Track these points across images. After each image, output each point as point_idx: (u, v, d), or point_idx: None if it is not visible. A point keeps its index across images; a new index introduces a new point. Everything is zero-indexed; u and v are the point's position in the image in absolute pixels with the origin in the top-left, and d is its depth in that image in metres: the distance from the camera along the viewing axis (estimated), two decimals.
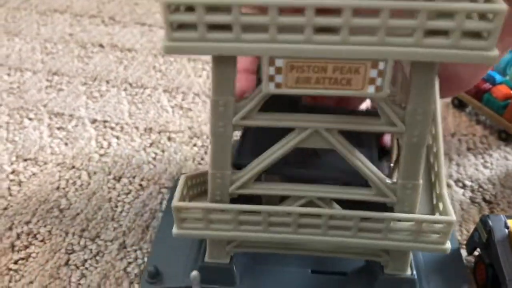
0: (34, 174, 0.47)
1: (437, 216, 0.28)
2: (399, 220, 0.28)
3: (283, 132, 0.27)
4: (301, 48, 0.22)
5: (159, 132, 0.51)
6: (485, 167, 0.47)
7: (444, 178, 0.29)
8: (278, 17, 0.21)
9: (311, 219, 0.29)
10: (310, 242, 0.30)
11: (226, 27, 0.22)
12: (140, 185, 0.45)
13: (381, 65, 0.23)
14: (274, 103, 0.26)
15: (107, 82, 0.59)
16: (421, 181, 0.27)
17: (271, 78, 0.24)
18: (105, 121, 0.53)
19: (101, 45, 0.66)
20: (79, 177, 0.46)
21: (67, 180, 0.46)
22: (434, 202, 0.30)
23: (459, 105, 0.54)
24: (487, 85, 0.51)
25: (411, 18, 0.21)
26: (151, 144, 0.50)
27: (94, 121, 0.53)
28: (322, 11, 0.21)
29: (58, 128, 0.52)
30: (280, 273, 0.34)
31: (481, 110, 0.51)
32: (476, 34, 0.21)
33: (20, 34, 0.69)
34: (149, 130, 0.52)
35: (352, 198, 0.28)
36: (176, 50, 0.23)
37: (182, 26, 0.23)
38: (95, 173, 0.47)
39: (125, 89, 0.58)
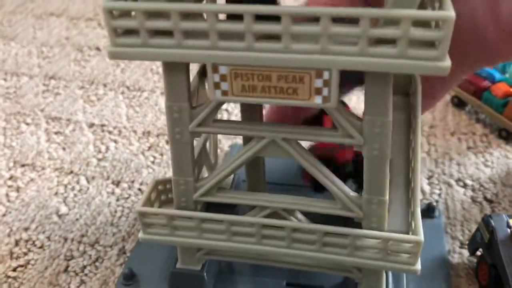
0: (32, 179, 0.46)
1: (404, 235, 0.27)
2: (366, 237, 0.27)
3: None
4: (242, 56, 0.22)
5: (158, 135, 0.51)
6: (486, 165, 0.47)
7: (418, 195, 0.27)
8: (217, 24, 0.21)
9: (275, 231, 0.28)
10: (274, 254, 0.29)
11: (168, 33, 0.22)
12: (139, 189, 0.45)
13: (325, 75, 0.22)
14: None
15: (104, 85, 0.59)
16: (387, 197, 0.26)
17: (217, 86, 0.24)
18: (102, 125, 0.53)
19: (97, 48, 0.65)
20: (78, 182, 0.46)
21: (66, 186, 0.46)
22: (409, 220, 0.29)
23: (459, 103, 0.54)
24: (486, 83, 0.51)
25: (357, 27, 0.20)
26: (149, 148, 0.50)
27: (91, 125, 0.53)
28: (265, 17, 0.21)
29: (56, 133, 0.52)
30: (254, 283, 0.33)
31: (480, 108, 0.51)
32: (428, 43, 0.21)
33: (16, 38, 0.68)
34: (147, 133, 0.51)
35: (317, 211, 0.28)
36: (120, 55, 0.23)
37: (128, 32, 0.23)
38: (93, 178, 0.46)
39: (122, 92, 0.57)
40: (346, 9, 0.20)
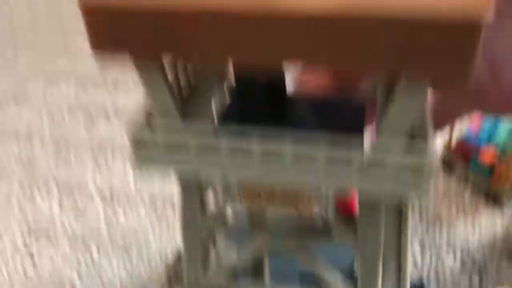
0: (46, 249, 0.49)
1: None
2: None
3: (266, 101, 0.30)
4: (250, 174, 0.25)
5: (164, 202, 0.54)
6: (474, 230, 0.50)
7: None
8: (233, 159, 0.24)
9: None
10: None
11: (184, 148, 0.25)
12: (148, 258, 0.48)
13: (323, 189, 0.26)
14: (258, 94, 0.29)
15: (112, 151, 0.62)
16: None
17: (227, 199, 0.27)
18: (111, 193, 0.56)
19: (105, 112, 0.69)
20: (89, 251, 0.49)
21: (78, 255, 0.48)
22: None
23: (449, 168, 0.57)
24: (474, 149, 0.54)
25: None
26: (156, 215, 0.53)
27: (101, 192, 0.56)
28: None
29: (67, 200, 0.55)
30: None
31: (469, 174, 0.54)
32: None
33: (26, 102, 0.72)
34: (154, 200, 0.54)
35: None
36: (142, 166, 0.27)
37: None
38: (104, 246, 0.49)
39: (131, 159, 0.61)
40: (341, 153, 0.23)
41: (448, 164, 0.56)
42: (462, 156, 0.54)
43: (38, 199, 0.55)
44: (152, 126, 0.25)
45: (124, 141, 0.63)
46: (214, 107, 0.30)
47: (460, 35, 0.20)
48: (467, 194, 0.54)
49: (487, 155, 0.52)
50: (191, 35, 0.22)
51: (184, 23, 0.21)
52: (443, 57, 0.20)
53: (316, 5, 0.20)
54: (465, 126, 0.58)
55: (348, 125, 0.27)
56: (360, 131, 0.27)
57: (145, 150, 0.26)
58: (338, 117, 0.28)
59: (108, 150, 0.62)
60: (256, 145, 0.24)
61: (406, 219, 0.31)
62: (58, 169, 0.59)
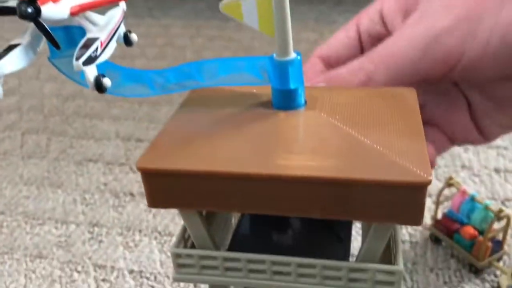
0: None
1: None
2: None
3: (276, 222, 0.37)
4: (264, 284, 0.33)
5: (187, 284, 0.62)
6: None
7: None
8: (248, 265, 0.33)
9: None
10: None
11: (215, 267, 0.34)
12: None
13: None
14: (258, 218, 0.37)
15: (140, 231, 0.70)
16: None
17: None
18: (140, 271, 0.64)
19: (131, 194, 0.78)
20: None
21: None
22: None
23: (436, 240, 0.64)
24: (456, 226, 0.62)
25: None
26: None
27: (131, 271, 0.64)
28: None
29: (103, 280, 0.63)
30: None
31: (453, 247, 0.62)
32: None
33: (62, 186, 0.81)
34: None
35: None
36: (181, 279, 0.35)
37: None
38: None
39: (155, 238, 0.69)
40: (332, 262, 0.32)
41: (435, 236, 0.64)
42: (447, 231, 0.62)
43: (78, 280, 0.63)
44: (191, 252, 0.34)
45: (149, 222, 0.72)
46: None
47: (414, 191, 0.28)
48: (452, 265, 0.61)
49: (467, 232, 0.60)
50: (224, 193, 0.30)
51: (221, 184, 0.30)
52: (404, 206, 0.29)
53: (306, 173, 0.29)
54: (449, 202, 0.66)
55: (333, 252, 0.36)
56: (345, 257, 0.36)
57: (185, 268, 0.34)
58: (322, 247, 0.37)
59: (136, 232, 0.70)
60: (269, 266, 0.32)
61: None
62: (93, 249, 0.68)
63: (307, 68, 0.46)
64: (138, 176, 0.81)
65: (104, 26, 0.32)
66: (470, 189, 0.73)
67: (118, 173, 0.83)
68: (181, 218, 0.34)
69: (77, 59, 0.29)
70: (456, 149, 0.81)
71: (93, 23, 0.32)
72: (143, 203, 0.75)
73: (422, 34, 0.38)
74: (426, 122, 0.39)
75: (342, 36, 0.47)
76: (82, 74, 0.30)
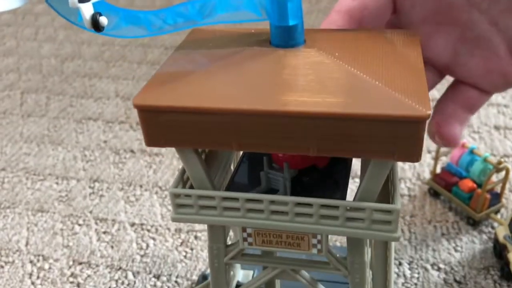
0: (89, 276, 0.58)
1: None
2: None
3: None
4: (262, 223, 0.33)
5: (187, 232, 0.63)
6: (456, 250, 0.57)
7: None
8: (246, 204, 0.33)
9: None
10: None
11: (213, 208, 0.34)
12: (176, 281, 0.56)
13: (318, 237, 0.33)
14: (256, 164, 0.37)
15: (141, 186, 0.71)
16: None
17: (245, 239, 0.35)
18: (142, 224, 0.64)
19: (132, 151, 0.78)
20: (126, 277, 0.57)
21: (117, 281, 0.57)
22: None
23: (434, 194, 0.65)
24: (455, 179, 0.62)
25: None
26: (181, 243, 0.61)
27: (133, 224, 0.64)
28: None
29: (104, 232, 0.64)
30: None
31: (451, 200, 0.62)
32: (386, 222, 0.32)
33: (62, 143, 0.81)
34: (179, 230, 0.63)
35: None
36: (180, 219, 0.35)
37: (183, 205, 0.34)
38: (138, 272, 0.58)
39: (156, 193, 0.69)
40: (330, 200, 0.32)
41: (434, 190, 0.65)
42: (445, 184, 0.63)
43: (79, 232, 0.64)
44: (189, 192, 0.34)
45: (150, 178, 0.72)
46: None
47: (414, 125, 0.28)
48: (450, 217, 0.62)
49: (465, 185, 0.60)
50: (222, 130, 0.30)
51: (218, 121, 0.30)
52: (403, 142, 0.29)
53: (305, 109, 0.29)
54: (448, 157, 0.66)
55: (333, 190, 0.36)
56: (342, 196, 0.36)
57: (183, 208, 0.34)
58: (319, 191, 0.37)
59: (137, 187, 0.71)
60: (266, 205, 0.33)
61: (390, 247, 0.39)
62: (94, 204, 0.68)
63: (323, 27, 0.37)
64: (138, 134, 0.81)
65: None
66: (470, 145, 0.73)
67: (118, 130, 0.83)
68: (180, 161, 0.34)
69: None
70: None
71: None
72: (143, 159, 0.76)
73: None
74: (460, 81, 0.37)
75: None
76: (79, 14, 0.30)
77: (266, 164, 0.36)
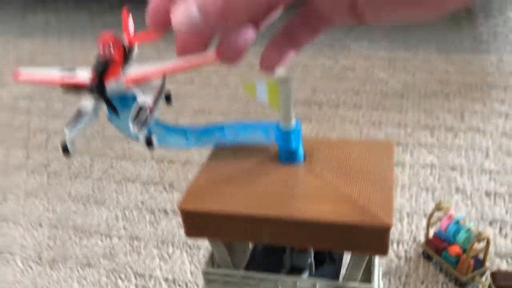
0: None
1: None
2: None
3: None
4: None
5: None
6: None
7: None
8: (260, 283, 0.44)
9: None
10: None
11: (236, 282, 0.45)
12: None
13: None
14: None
15: (173, 244, 0.82)
16: None
17: None
18: (174, 279, 0.75)
19: (165, 211, 0.89)
20: None
21: None
22: None
23: (427, 257, 0.74)
24: (444, 244, 0.71)
25: None
26: None
27: (166, 279, 0.75)
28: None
29: (143, 286, 0.74)
30: None
31: (441, 263, 0.72)
32: None
33: (105, 203, 0.93)
34: None
35: None
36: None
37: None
38: None
39: (186, 251, 0.80)
40: (324, 282, 0.42)
41: (427, 253, 0.74)
42: (436, 249, 0.72)
43: (121, 286, 0.75)
44: (216, 272, 0.45)
45: (181, 237, 0.83)
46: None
47: (380, 232, 0.39)
48: (440, 278, 0.71)
49: (453, 251, 0.70)
50: (244, 229, 0.41)
51: (240, 222, 0.41)
52: (373, 242, 0.39)
53: (309, 217, 0.40)
54: (438, 225, 0.75)
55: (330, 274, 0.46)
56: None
57: (211, 281, 0.45)
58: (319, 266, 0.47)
59: (169, 245, 0.82)
60: (274, 284, 0.43)
61: None
62: (133, 260, 0.79)
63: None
64: (170, 196, 0.92)
65: (150, 92, 0.43)
66: (462, 210, 0.82)
67: (153, 191, 0.95)
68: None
69: (133, 125, 0.40)
70: (452, 174, 0.91)
71: (142, 90, 0.43)
72: (175, 219, 0.87)
73: None
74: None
75: None
76: (137, 136, 0.42)
77: (288, 250, 0.47)
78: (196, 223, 0.43)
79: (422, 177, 0.91)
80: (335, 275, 0.47)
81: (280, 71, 0.40)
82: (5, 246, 0.85)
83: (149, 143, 0.42)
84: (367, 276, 0.46)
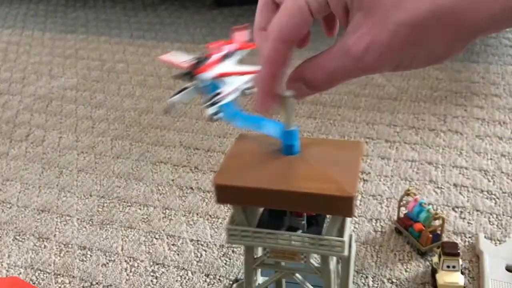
0: (163, 273, 0.89)
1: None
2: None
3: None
4: (275, 246, 0.64)
5: (227, 247, 0.93)
6: (406, 271, 0.86)
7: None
8: (267, 235, 0.64)
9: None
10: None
11: (249, 236, 0.65)
12: (219, 279, 0.87)
13: (305, 254, 0.64)
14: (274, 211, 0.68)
15: (197, 214, 1.02)
16: None
17: (265, 254, 0.66)
18: (197, 240, 0.96)
19: (191, 188, 1.10)
20: (187, 275, 0.88)
21: (181, 276, 0.88)
22: None
23: (398, 232, 0.94)
24: (410, 222, 0.91)
25: None
26: (223, 255, 0.92)
27: (191, 240, 0.96)
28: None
29: (173, 245, 0.95)
30: None
31: (408, 236, 0.91)
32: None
33: (142, 179, 1.14)
34: (222, 246, 0.94)
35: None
36: (231, 242, 0.65)
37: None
38: (194, 272, 0.89)
39: (207, 219, 1.01)
40: (310, 235, 0.62)
41: (398, 229, 0.93)
42: (404, 225, 0.91)
43: (156, 244, 0.96)
44: (235, 228, 0.65)
45: (204, 208, 1.04)
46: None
47: (346, 200, 0.59)
48: (406, 248, 0.90)
49: (417, 227, 0.89)
50: (261, 197, 0.61)
51: (257, 194, 0.61)
52: (341, 206, 0.59)
53: (302, 190, 0.60)
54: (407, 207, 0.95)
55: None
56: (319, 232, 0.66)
57: (232, 235, 0.65)
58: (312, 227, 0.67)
59: (194, 214, 1.02)
60: (276, 236, 0.63)
61: (349, 262, 0.69)
62: (166, 224, 1.00)
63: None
64: (196, 175, 1.13)
65: (230, 85, 0.62)
66: (432, 197, 1.01)
67: (181, 172, 1.15)
68: (230, 208, 0.65)
69: (205, 102, 0.59)
70: (428, 167, 1.09)
71: (225, 83, 0.62)
72: (199, 194, 1.08)
73: None
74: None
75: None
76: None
77: (289, 213, 0.66)
78: (224, 193, 0.62)
79: (403, 169, 1.10)
80: (319, 233, 0.67)
81: (286, 92, 0.59)
82: (64, 209, 1.07)
83: (210, 119, 0.62)
84: (340, 234, 0.65)
